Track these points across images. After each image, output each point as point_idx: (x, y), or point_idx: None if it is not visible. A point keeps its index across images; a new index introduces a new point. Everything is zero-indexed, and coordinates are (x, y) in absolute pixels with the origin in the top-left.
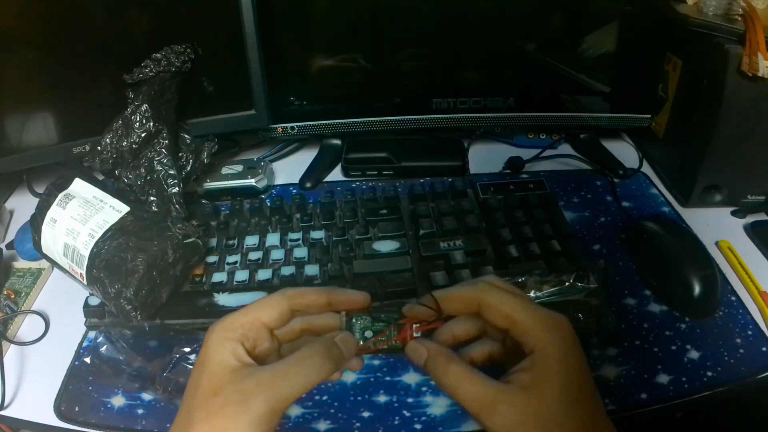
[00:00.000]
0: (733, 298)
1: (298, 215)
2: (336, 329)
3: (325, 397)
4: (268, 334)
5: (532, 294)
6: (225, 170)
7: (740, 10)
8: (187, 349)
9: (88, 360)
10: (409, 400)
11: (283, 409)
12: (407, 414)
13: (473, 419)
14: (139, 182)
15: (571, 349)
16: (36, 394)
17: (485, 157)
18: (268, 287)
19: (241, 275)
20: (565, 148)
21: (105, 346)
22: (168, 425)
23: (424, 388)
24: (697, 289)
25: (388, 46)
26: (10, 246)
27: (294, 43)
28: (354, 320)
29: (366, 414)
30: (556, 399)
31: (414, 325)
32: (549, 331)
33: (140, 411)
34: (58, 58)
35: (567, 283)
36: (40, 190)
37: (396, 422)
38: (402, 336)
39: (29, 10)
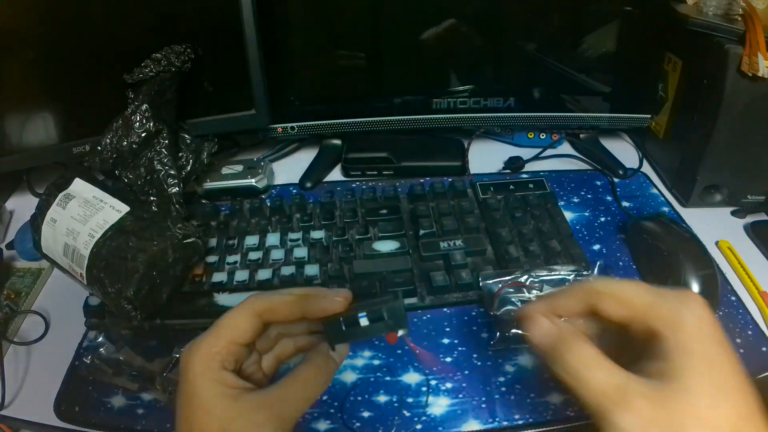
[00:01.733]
0: (733, 298)
1: (298, 215)
2: (310, 334)
3: (325, 397)
4: (245, 350)
5: (532, 294)
6: (225, 170)
7: (740, 10)
8: None
9: (88, 360)
10: (409, 400)
11: (292, 430)
12: (407, 414)
13: (593, 416)
14: (139, 182)
15: (711, 326)
16: (36, 394)
17: (485, 157)
18: (268, 287)
19: (241, 275)
20: (565, 148)
21: (105, 346)
22: (168, 425)
23: (424, 388)
24: (697, 289)
25: (388, 46)
26: (10, 246)
27: (294, 43)
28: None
29: (366, 414)
30: (701, 391)
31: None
32: (680, 309)
33: (140, 411)
34: (58, 58)
35: (567, 283)
36: (40, 190)
37: (396, 422)
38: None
39: (29, 10)
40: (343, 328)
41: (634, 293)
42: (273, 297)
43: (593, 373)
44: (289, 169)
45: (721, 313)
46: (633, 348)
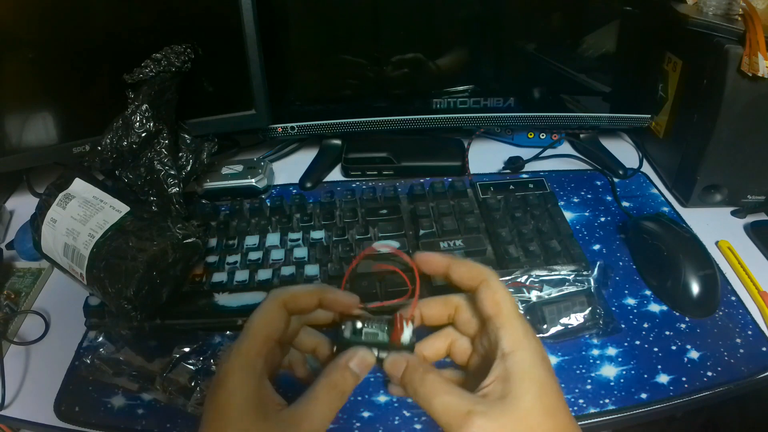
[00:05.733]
0: (733, 298)
1: (298, 215)
2: (330, 323)
3: None
4: (279, 347)
5: (533, 294)
6: (225, 170)
7: (740, 10)
8: (187, 349)
9: (88, 360)
10: (409, 400)
11: None
12: (407, 414)
13: None
14: (139, 182)
15: (544, 358)
16: (36, 394)
17: (485, 157)
18: (268, 287)
19: (241, 275)
20: (565, 148)
21: (105, 346)
22: (168, 425)
23: None
24: (697, 289)
25: (388, 46)
26: (10, 246)
27: (294, 43)
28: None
29: (366, 414)
30: (531, 407)
31: (404, 320)
32: (527, 335)
33: (140, 411)
34: (58, 57)
35: (567, 283)
36: (40, 190)
37: (396, 422)
38: (394, 335)
39: (29, 10)
40: (362, 337)
41: (505, 300)
42: (292, 287)
43: (441, 398)
44: (289, 169)
45: (721, 313)
46: (479, 348)
